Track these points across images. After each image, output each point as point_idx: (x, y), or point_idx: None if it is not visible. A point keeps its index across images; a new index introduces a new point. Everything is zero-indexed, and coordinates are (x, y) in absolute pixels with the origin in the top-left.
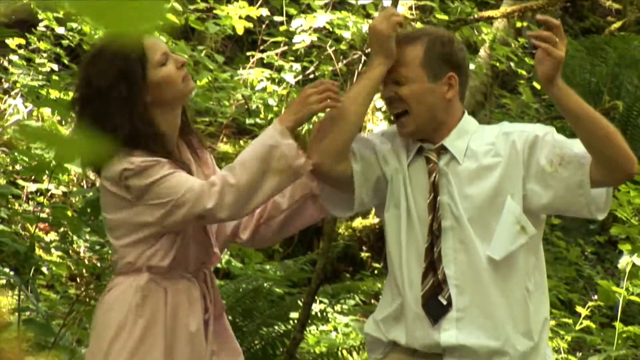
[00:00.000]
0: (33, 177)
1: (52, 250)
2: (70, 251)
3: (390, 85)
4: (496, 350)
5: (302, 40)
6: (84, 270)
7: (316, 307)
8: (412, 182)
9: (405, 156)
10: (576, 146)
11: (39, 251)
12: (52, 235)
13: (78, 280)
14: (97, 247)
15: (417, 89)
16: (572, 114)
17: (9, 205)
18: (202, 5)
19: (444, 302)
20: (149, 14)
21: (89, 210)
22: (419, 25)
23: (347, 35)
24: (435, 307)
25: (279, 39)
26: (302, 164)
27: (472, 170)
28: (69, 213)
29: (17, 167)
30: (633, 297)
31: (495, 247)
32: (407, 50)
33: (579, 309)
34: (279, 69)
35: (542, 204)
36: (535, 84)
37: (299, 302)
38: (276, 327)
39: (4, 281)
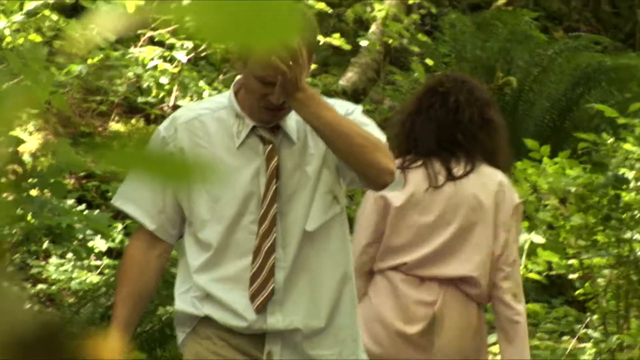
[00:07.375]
0: None
1: None
2: None
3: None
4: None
5: None
6: None
7: None
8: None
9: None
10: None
11: None
12: None
13: None
14: None
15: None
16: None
17: None
18: None
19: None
20: (285, 17)
21: None
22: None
23: None
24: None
25: (171, 16)
26: None
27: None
28: None
29: None
30: (532, 275)
31: (311, 219)
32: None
33: None
34: (171, 47)
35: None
36: (427, 60)
37: None
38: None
39: None
